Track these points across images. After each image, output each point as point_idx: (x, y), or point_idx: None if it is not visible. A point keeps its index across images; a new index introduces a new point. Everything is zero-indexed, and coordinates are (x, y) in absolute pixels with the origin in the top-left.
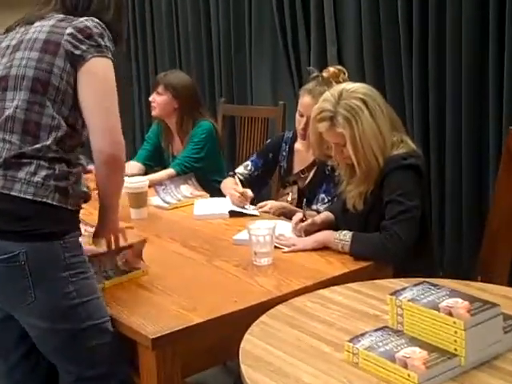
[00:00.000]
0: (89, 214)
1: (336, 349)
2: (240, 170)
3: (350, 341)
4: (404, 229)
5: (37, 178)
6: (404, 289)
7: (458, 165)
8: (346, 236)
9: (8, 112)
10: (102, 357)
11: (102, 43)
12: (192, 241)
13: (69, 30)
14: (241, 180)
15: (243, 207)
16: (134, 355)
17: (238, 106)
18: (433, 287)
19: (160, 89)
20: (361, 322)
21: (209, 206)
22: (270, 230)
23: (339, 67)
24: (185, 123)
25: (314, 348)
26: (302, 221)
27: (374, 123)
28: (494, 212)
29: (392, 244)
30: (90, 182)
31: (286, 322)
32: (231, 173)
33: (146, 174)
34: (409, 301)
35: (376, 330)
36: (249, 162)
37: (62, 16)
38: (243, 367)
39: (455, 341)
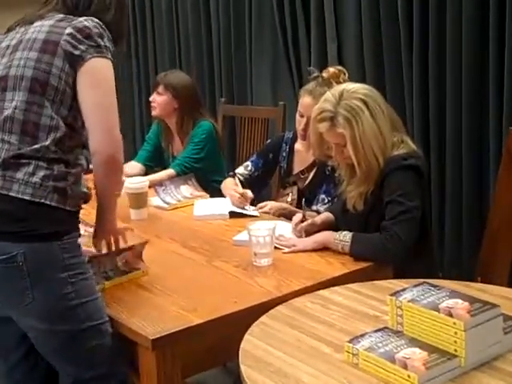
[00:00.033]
0: (88, 213)
1: (336, 349)
2: (240, 170)
3: (350, 341)
4: (404, 229)
5: (35, 179)
6: (404, 290)
7: (459, 164)
8: (346, 237)
9: (7, 112)
10: (102, 358)
11: (102, 43)
12: (192, 241)
13: (68, 30)
14: (241, 180)
15: (243, 208)
16: (134, 356)
17: (238, 106)
18: (433, 288)
19: (160, 89)
20: (361, 323)
21: (209, 207)
22: (269, 230)
23: (339, 68)
24: (185, 123)
25: (314, 349)
26: (302, 221)
27: (375, 123)
28: (494, 212)
29: (392, 244)
30: (89, 182)
31: (286, 322)
32: (231, 173)
33: (145, 174)
34: (409, 302)
35: (376, 331)
36: (249, 163)
37: (61, 16)
38: (243, 368)
39: (455, 342)
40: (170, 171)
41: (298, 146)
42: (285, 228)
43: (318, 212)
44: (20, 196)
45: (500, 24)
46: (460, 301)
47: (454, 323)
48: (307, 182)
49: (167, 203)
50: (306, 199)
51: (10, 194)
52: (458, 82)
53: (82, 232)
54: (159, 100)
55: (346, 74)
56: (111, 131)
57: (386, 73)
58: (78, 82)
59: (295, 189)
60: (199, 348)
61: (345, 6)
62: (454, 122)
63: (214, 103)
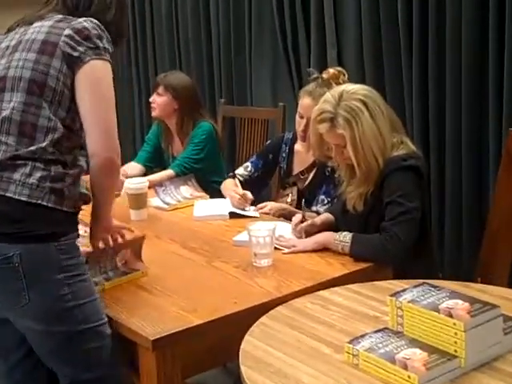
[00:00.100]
0: (88, 214)
1: (336, 350)
2: (240, 171)
3: (350, 342)
4: (404, 230)
5: (32, 180)
6: (404, 290)
7: (458, 165)
8: (345, 237)
9: (5, 113)
10: (99, 359)
11: (101, 45)
12: (192, 242)
13: (67, 32)
14: (241, 181)
15: (243, 209)
16: (134, 357)
17: (238, 107)
18: (433, 288)
19: (160, 90)
20: (361, 324)
21: (208, 207)
22: (269, 231)
23: (339, 69)
24: (185, 124)
25: (314, 349)
26: (301, 222)
27: (374, 124)
28: (493, 212)
29: (392, 245)
30: (89, 183)
31: (286, 323)
32: (231, 174)
33: (145, 175)
34: (409, 302)
35: (376, 332)
36: (249, 164)
37: (60, 16)
38: (243, 368)
39: (455, 342)
40: (170, 172)
41: (298, 146)
42: (285, 229)
43: (318, 213)
44: (17, 197)
45: (499, 25)
46: (460, 301)
47: (454, 324)
48: (307, 182)
49: (167, 204)
50: (306, 200)
51: (7, 194)
52: (457, 83)
53: (81, 233)
54: (159, 101)
55: (346, 75)
56: (109, 133)
57: (385, 74)
58: (76, 83)
59: (295, 189)
60: (199, 348)
61: (345, 9)
62: (453, 123)
63: (213, 104)
